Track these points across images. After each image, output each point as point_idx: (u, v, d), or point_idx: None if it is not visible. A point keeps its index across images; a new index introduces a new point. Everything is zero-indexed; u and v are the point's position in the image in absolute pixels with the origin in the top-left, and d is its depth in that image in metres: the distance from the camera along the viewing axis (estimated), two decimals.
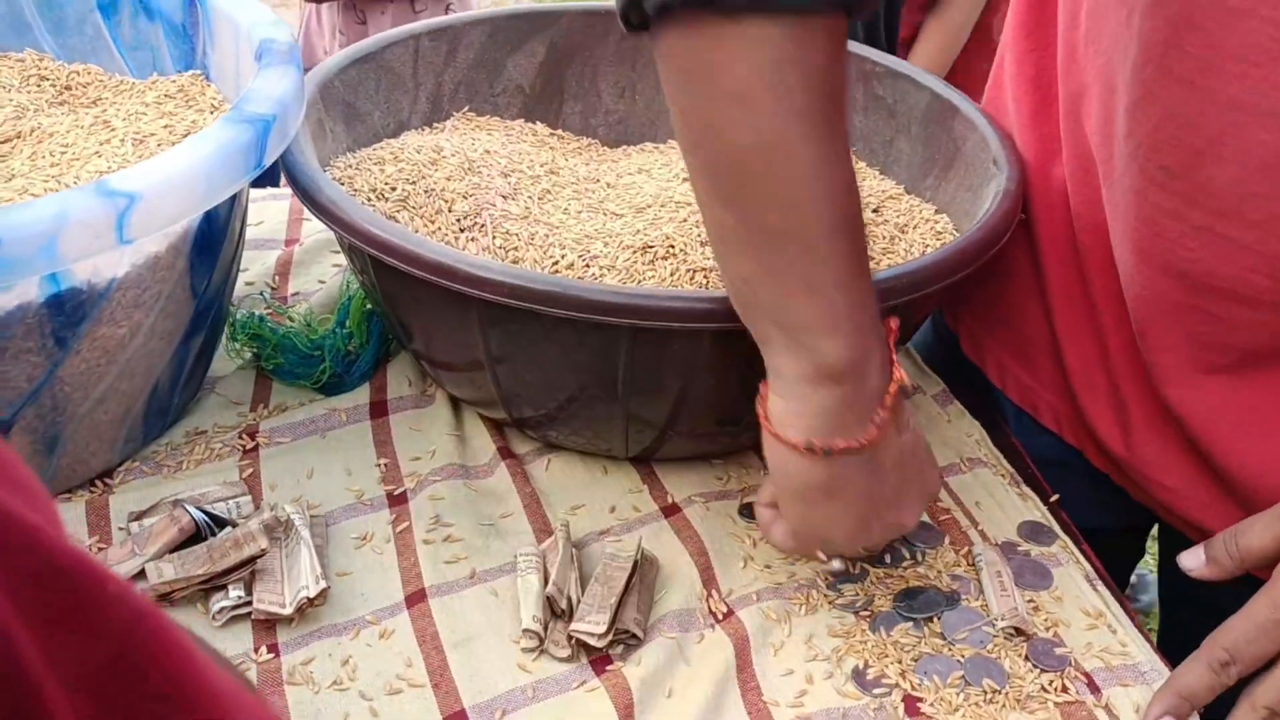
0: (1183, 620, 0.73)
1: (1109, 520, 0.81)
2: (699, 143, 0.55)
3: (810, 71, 0.52)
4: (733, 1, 0.50)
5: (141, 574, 0.64)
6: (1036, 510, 0.75)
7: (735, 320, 0.62)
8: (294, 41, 0.74)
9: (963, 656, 0.64)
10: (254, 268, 0.92)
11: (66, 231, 0.56)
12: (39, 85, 0.83)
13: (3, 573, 0.22)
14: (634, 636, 0.63)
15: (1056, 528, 0.73)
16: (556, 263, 0.74)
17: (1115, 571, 0.74)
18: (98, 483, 0.71)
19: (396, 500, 0.72)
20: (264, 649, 0.62)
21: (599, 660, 0.63)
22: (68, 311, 0.61)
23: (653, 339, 0.64)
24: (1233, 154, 0.60)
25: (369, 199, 0.77)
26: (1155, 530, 0.85)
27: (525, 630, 0.63)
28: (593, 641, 0.62)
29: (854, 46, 0.92)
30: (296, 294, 0.90)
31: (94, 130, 0.74)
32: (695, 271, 0.73)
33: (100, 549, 0.67)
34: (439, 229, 0.76)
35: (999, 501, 0.75)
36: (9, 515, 0.22)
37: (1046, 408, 0.82)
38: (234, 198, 0.69)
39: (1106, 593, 0.69)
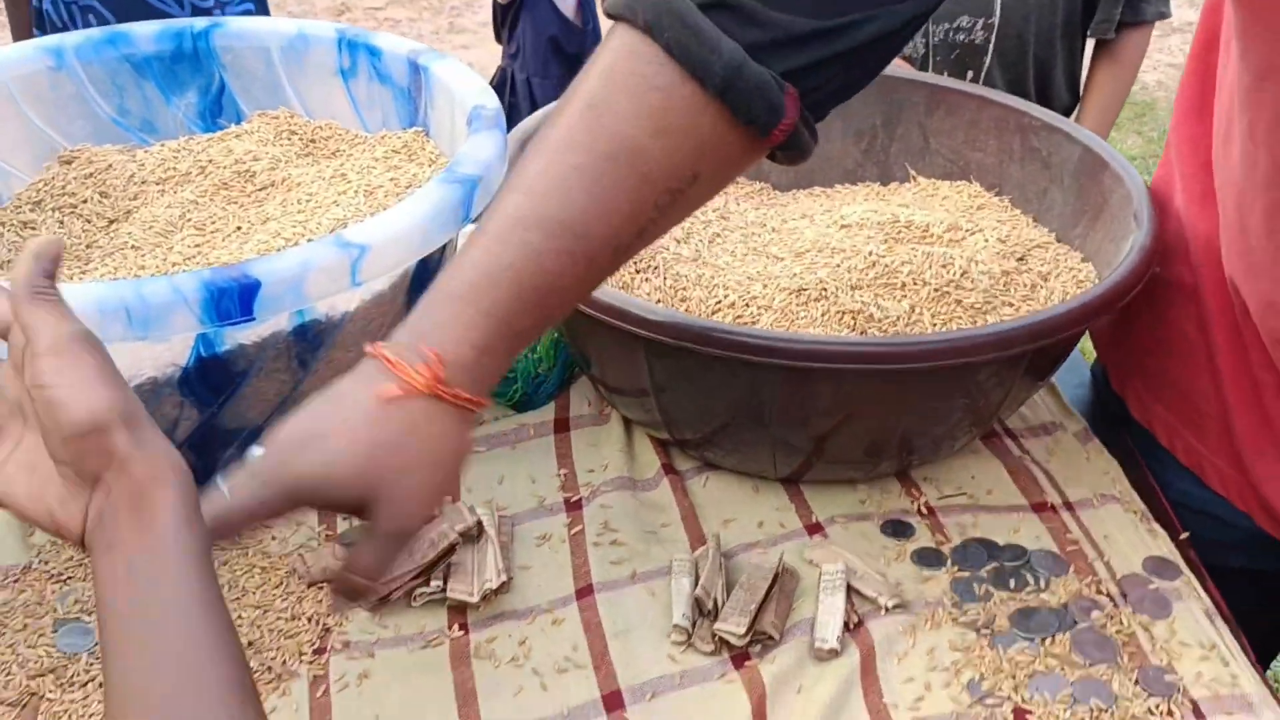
0: None
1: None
2: None
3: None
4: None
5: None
6: (1164, 546, 0.79)
7: (874, 362, 0.70)
8: (500, 108, 0.86)
9: (1074, 677, 0.70)
10: None
11: (311, 276, 0.68)
12: (289, 139, 0.97)
13: None
14: (770, 638, 0.72)
15: (1182, 564, 0.78)
16: (719, 302, 0.83)
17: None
18: None
19: (573, 506, 0.83)
20: (456, 627, 0.74)
21: (738, 657, 0.71)
22: (310, 339, 0.74)
23: (797, 376, 0.73)
24: None
25: None
26: None
27: (675, 626, 0.72)
28: (733, 640, 0.71)
29: (1010, 100, 0.98)
30: None
31: (333, 181, 0.88)
32: (845, 313, 0.81)
33: (328, 535, 0.80)
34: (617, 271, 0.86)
35: (1128, 536, 0.80)
36: None
37: (1214, 472, 0.83)
38: (446, 243, 0.81)
39: (1224, 627, 0.73)
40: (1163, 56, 3.84)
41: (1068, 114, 1.61)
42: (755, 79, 0.54)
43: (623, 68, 0.55)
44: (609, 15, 0.57)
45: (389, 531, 0.54)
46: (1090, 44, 1.60)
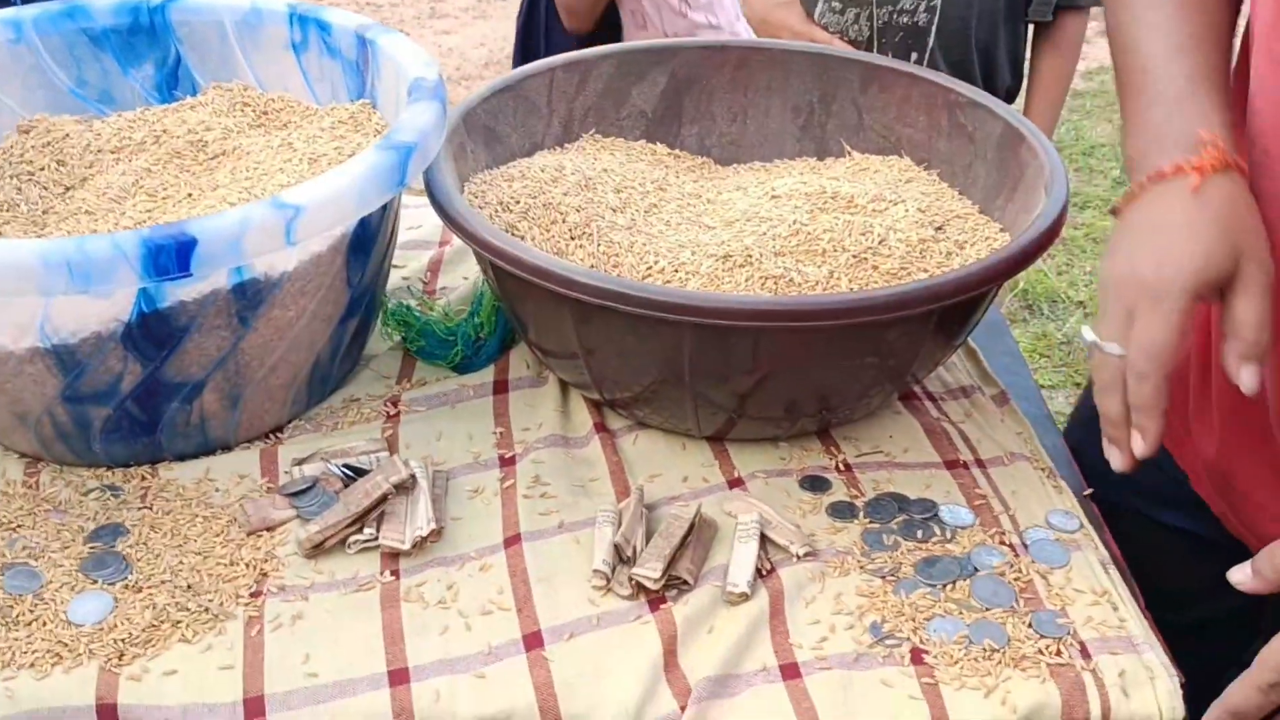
0: None
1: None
2: None
3: None
4: None
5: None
6: (1068, 501, 0.83)
7: (784, 320, 0.74)
8: (440, 80, 0.89)
9: (971, 619, 0.74)
10: (410, 265, 1.08)
11: (249, 235, 0.72)
12: (242, 111, 1.01)
13: None
14: (686, 583, 0.76)
15: (1082, 516, 0.82)
16: (650, 268, 0.87)
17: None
18: (270, 435, 0.88)
19: (507, 462, 0.86)
20: (388, 572, 0.77)
21: (655, 600, 0.75)
22: (249, 297, 0.78)
23: (715, 335, 0.76)
24: None
25: (496, 211, 0.91)
26: None
27: (595, 570, 0.76)
28: (649, 584, 0.75)
29: (939, 77, 1.01)
30: (444, 288, 1.06)
31: (280, 150, 0.92)
32: (767, 278, 0.85)
33: (269, 488, 0.83)
34: (553, 237, 0.90)
35: (1034, 492, 0.84)
36: None
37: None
38: (385, 207, 0.85)
39: (1117, 576, 0.77)
40: None
41: (1011, 96, 1.65)
42: None
43: None
44: None
45: (1265, 282, 0.65)
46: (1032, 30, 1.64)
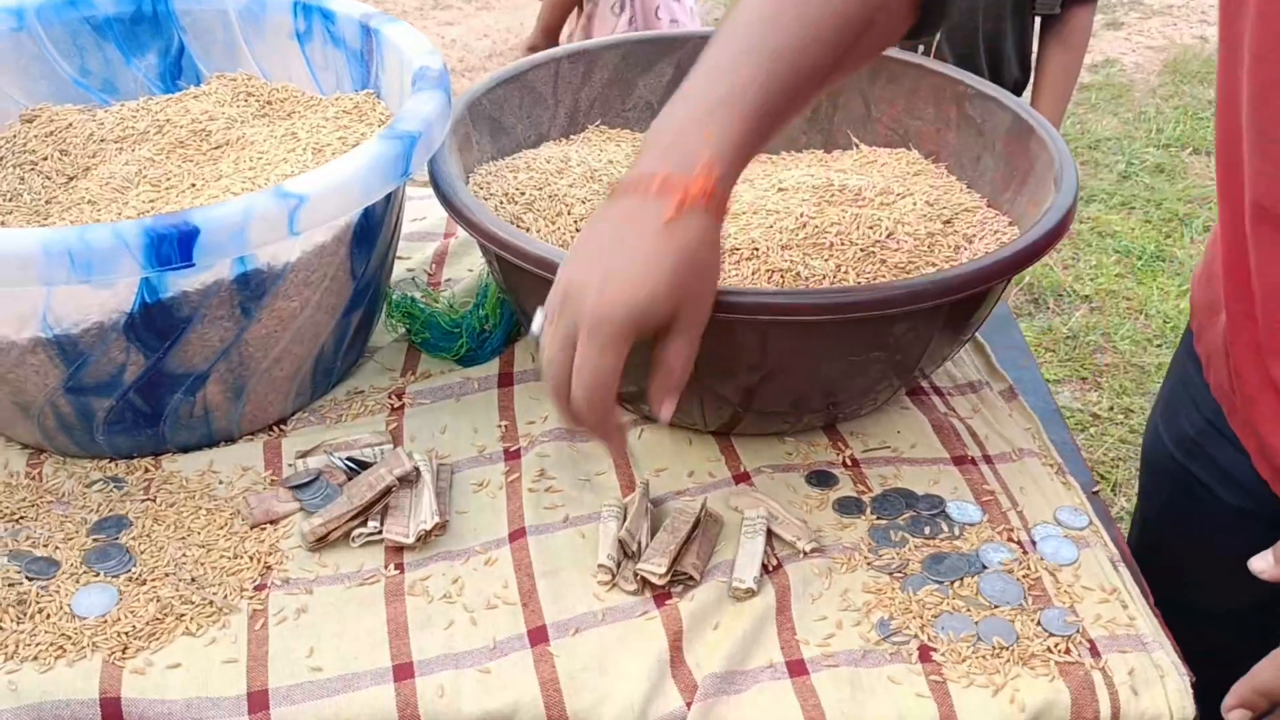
0: None
1: None
2: None
3: None
4: None
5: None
6: (1076, 498, 0.83)
7: (789, 314, 0.73)
8: (444, 69, 0.89)
9: (979, 617, 0.73)
10: (414, 256, 1.07)
11: (252, 224, 0.71)
12: (246, 100, 1.00)
13: None
14: (691, 578, 0.75)
15: (1091, 513, 0.81)
16: None
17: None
18: (274, 428, 0.88)
19: (511, 455, 0.86)
20: (392, 566, 0.77)
21: (660, 596, 0.75)
22: (252, 287, 0.77)
23: (720, 328, 0.75)
24: None
25: (501, 202, 0.90)
26: None
27: (600, 565, 0.75)
28: (654, 579, 0.74)
29: (947, 69, 1.01)
30: (449, 280, 1.05)
31: (283, 140, 0.91)
32: (774, 272, 0.84)
33: (273, 480, 0.83)
34: (558, 229, 0.89)
35: (1042, 488, 0.83)
36: None
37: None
38: (389, 198, 0.84)
39: (1126, 573, 0.77)
40: (1141, 39, 3.87)
41: (1018, 89, 1.64)
42: None
43: None
44: None
45: (699, 329, 0.66)
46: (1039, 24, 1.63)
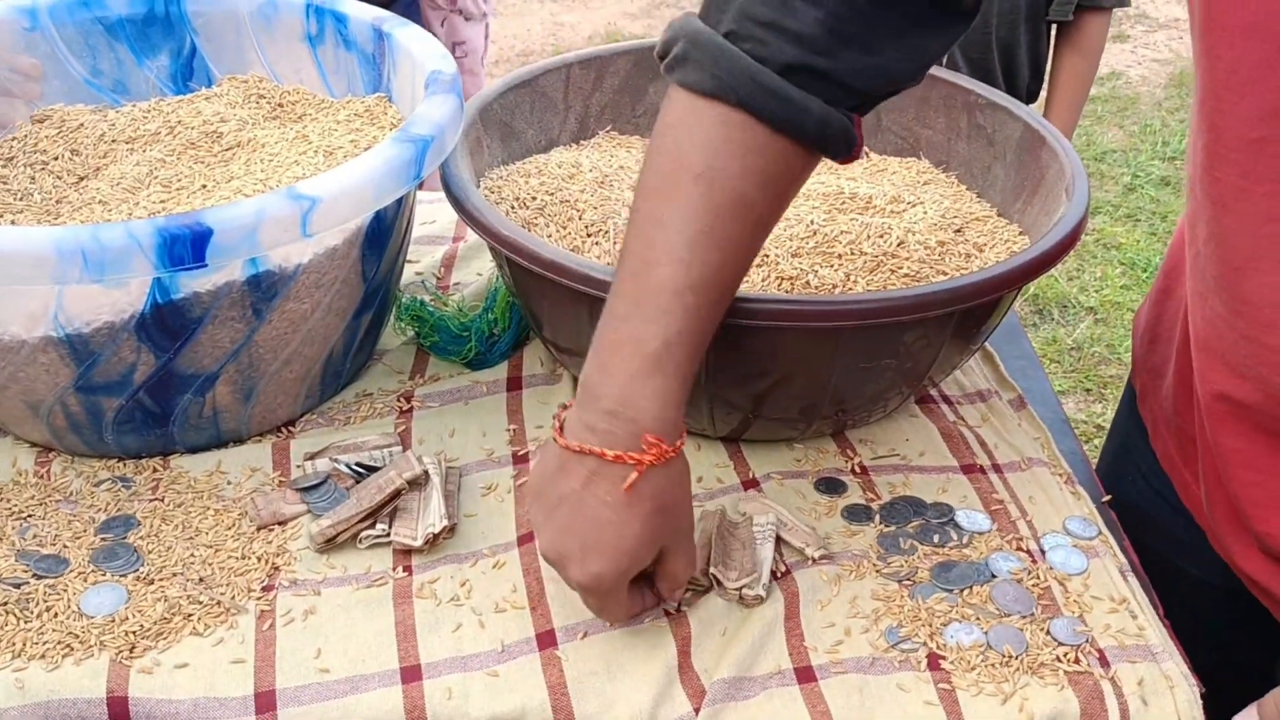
0: None
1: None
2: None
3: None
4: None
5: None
6: (1085, 507, 0.82)
7: (799, 320, 0.73)
8: (457, 73, 0.89)
9: (988, 626, 0.73)
10: (424, 260, 1.08)
11: (264, 226, 0.72)
12: (258, 103, 1.00)
13: None
14: (700, 584, 0.75)
15: (1101, 523, 0.81)
16: None
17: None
18: (283, 429, 0.88)
19: (520, 459, 0.86)
20: (400, 568, 0.77)
21: None
22: (263, 289, 0.77)
23: (731, 334, 0.75)
24: (1271, 266, 0.65)
25: (512, 206, 0.90)
26: None
27: None
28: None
29: (957, 78, 1.01)
30: (458, 283, 1.05)
31: (295, 143, 0.91)
32: (783, 280, 0.84)
33: (281, 481, 0.83)
34: (569, 234, 0.89)
35: (1051, 498, 0.83)
36: None
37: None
38: (400, 201, 0.84)
39: (1135, 584, 0.77)
40: (1148, 51, 3.87)
41: (1032, 95, 1.64)
42: (838, 124, 0.67)
43: (720, 136, 0.65)
44: (696, 92, 0.66)
45: (690, 547, 0.71)
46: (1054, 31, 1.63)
